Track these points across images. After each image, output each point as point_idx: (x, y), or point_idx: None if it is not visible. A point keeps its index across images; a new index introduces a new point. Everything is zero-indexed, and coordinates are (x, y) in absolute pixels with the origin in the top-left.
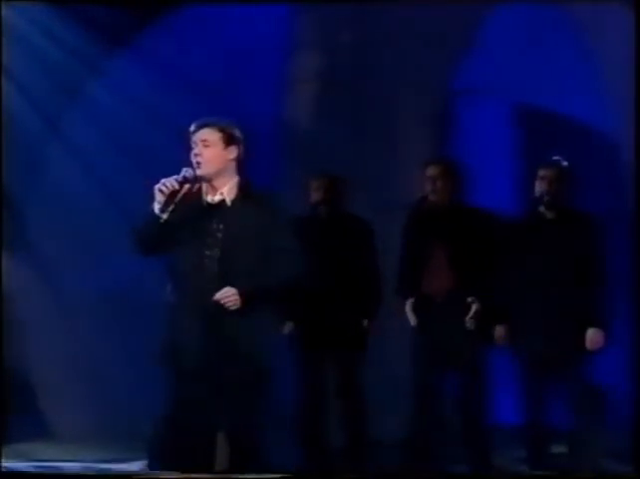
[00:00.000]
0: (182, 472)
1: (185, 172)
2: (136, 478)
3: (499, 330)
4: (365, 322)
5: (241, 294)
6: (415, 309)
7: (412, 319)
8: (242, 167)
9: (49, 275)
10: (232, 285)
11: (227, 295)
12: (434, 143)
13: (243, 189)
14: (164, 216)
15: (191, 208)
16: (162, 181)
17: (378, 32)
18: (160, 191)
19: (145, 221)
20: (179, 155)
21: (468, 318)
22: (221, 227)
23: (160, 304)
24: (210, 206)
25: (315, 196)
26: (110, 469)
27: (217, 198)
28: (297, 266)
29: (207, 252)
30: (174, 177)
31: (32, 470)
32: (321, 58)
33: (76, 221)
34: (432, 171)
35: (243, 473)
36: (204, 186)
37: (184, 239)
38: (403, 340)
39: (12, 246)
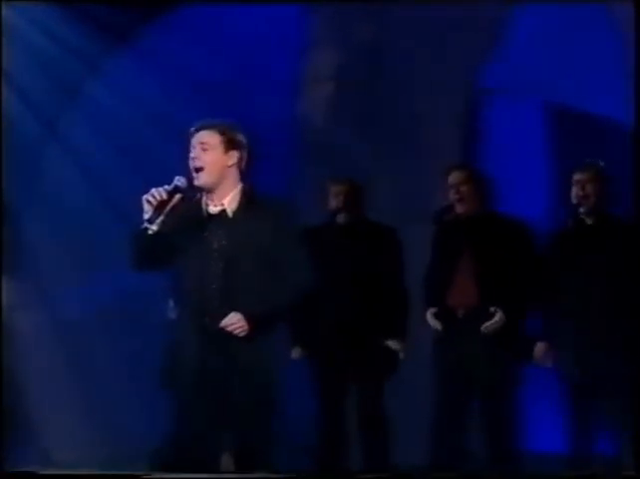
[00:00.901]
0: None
1: (177, 181)
2: (137, 478)
3: (539, 348)
4: (392, 343)
5: (249, 320)
6: (438, 319)
7: (436, 325)
8: (246, 174)
9: (46, 290)
10: (236, 304)
11: (233, 322)
12: (459, 146)
13: (246, 197)
14: (154, 227)
15: (190, 219)
16: (151, 190)
17: (397, 28)
18: (148, 201)
19: (135, 233)
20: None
21: (485, 326)
22: (223, 239)
23: (165, 321)
24: (211, 216)
25: (334, 202)
26: None
27: (218, 208)
28: (308, 283)
29: (208, 268)
30: (165, 186)
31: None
32: (337, 56)
33: (76, 230)
34: (455, 178)
35: (243, 473)
36: (204, 195)
37: (183, 254)
38: (426, 359)
39: (8, 258)
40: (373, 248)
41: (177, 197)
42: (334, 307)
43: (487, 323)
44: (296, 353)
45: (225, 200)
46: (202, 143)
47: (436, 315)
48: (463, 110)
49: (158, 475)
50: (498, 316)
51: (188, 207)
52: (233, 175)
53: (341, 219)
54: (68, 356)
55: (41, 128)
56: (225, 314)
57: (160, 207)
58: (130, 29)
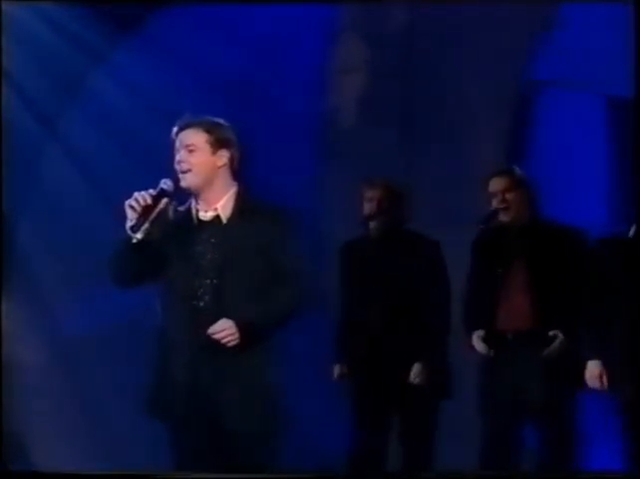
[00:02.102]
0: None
1: (163, 184)
2: (138, 478)
3: (593, 370)
4: (431, 364)
5: (240, 328)
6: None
7: (483, 349)
8: (239, 175)
9: (46, 305)
10: (231, 318)
11: (222, 329)
12: (505, 145)
13: (241, 201)
14: (138, 236)
15: (179, 226)
16: (135, 195)
17: (433, 14)
18: (131, 207)
19: (116, 243)
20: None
21: (546, 351)
22: (217, 249)
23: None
24: (202, 223)
25: (367, 208)
26: None
27: (210, 214)
28: (309, 293)
29: (200, 280)
30: (150, 190)
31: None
32: (366, 46)
33: (75, 240)
34: (499, 184)
35: (243, 473)
36: (193, 199)
37: (172, 265)
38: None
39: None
40: (412, 262)
41: (164, 201)
42: (369, 326)
43: (548, 349)
44: (336, 372)
45: (218, 204)
46: (188, 144)
47: (482, 339)
48: (509, 105)
49: (157, 475)
50: (559, 341)
51: (177, 213)
52: (225, 176)
53: (375, 227)
54: (69, 376)
55: (41, 127)
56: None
57: (144, 213)
58: (136, 18)
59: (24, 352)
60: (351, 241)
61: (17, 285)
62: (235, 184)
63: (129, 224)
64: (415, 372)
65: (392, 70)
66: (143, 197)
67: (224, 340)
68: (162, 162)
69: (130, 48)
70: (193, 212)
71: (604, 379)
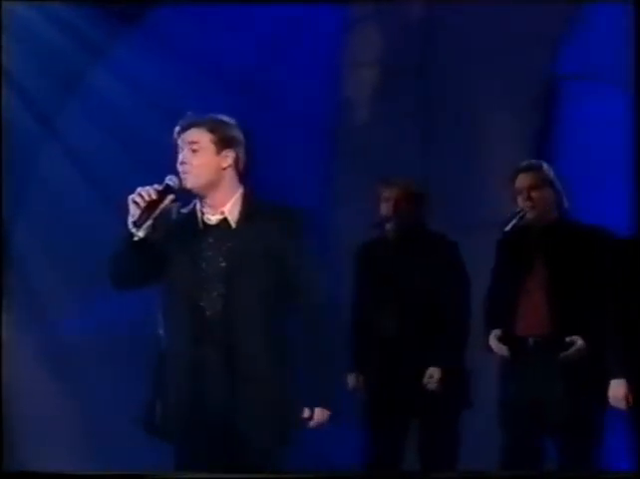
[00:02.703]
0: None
1: (169, 180)
2: (137, 478)
3: (618, 390)
4: (452, 372)
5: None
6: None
7: (500, 350)
8: (245, 176)
9: (43, 309)
10: (242, 334)
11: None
12: (527, 144)
13: (249, 204)
14: (140, 233)
15: (183, 229)
16: (138, 190)
17: (453, 9)
18: (135, 202)
19: (118, 241)
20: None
21: (563, 355)
22: (225, 254)
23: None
24: (208, 227)
25: (384, 209)
26: None
27: (217, 217)
28: (327, 306)
29: (208, 288)
30: (155, 185)
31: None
32: (383, 38)
33: (75, 241)
34: (524, 181)
35: (243, 473)
36: (198, 202)
37: (176, 270)
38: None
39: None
40: (430, 264)
41: (169, 198)
42: (386, 331)
43: (566, 352)
44: (351, 382)
45: (225, 207)
46: (191, 143)
47: (501, 342)
48: (534, 99)
49: (157, 475)
50: (577, 347)
51: (180, 215)
52: (230, 178)
53: (392, 229)
54: (67, 383)
55: (39, 126)
56: (229, 347)
57: (148, 208)
58: (138, 14)
59: (22, 356)
60: (366, 243)
61: (15, 288)
62: (241, 186)
63: (131, 219)
64: (429, 375)
65: (409, 64)
66: (147, 192)
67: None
68: (164, 160)
69: (131, 43)
70: (198, 215)
71: (629, 400)
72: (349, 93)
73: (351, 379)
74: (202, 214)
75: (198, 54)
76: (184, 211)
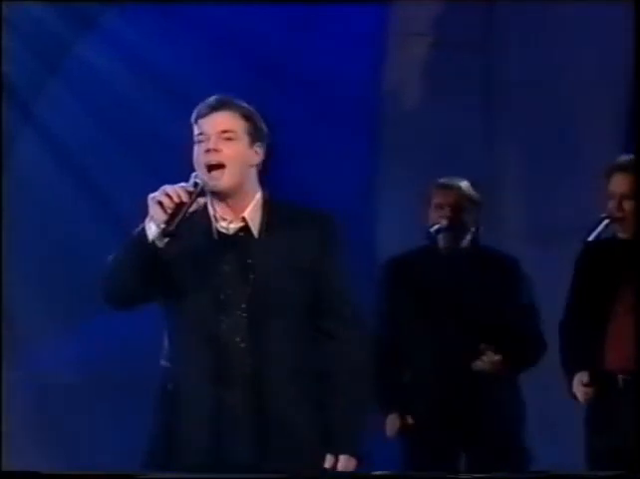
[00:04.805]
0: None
1: (196, 177)
2: (136, 478)
3: None
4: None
5: None
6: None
7: (587, 397)
8: (264, 176)
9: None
10: (271, 368)
11: None
12: (614, 138)
13: (272, 209)
14: (160, 242)
15: (192, 240)
16: (164, 189)
17: None
18: (160, 203)
19: (126, 249)
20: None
21: None
22: (247, 272)
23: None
24: (224, 237)
25: (436, 216)
26: None
27: (234, 225)
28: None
29: (226, 316)
30: (184, 184)
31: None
32: (438, 8)
33: (55, 259)
34: (618, 184)
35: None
36: (210, 205)
37: (184, 294)
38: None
39: None
40: (491, 284)
41: (201, 201)
42: (439, 365)
43: None
44: (391, 426)
45: (246, 213)
46: (224, 131)
47: (587, 384)
48: (618, 87)
49: (157, 475)
50: None
51: (189, 223)
52: (254, 178)
53: (445, 241)
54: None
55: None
56: (254, 384)
57: (175, 212)
58: None
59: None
60: (414, 257)
61: None
62: (260, 187)
63: (151, 227)
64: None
65: (470, 39)
66: (176, 191)
67: None
68: (164, 156)
69: (129, 15)
70: (213, 222)
71: None
72: (395, 75)
73: (391, 422)
74: (216, 220)
75: (214, 28)
76: (194, 216)
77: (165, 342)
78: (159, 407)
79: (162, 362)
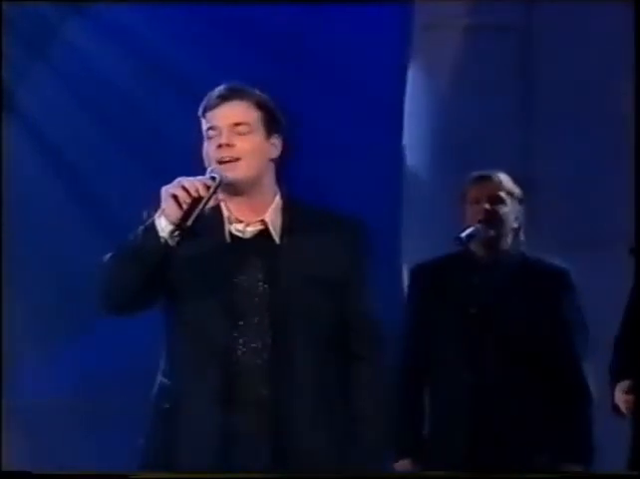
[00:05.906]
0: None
1: (212, 172)
2: (135, 478)
3: None
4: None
5: None
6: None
7: (624, 404)
8: (282, 175)
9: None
10: (292, 391)
11: None
12: None
13: (294, 211)
14: (173, 241)
15: (200, 246)
16: (180, 181)
17: None
18: (175, 197)
19: (129, 246)
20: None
21: None
22: (267, 282)
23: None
24: (239, 242)
25: (471, 217)
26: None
27: (252, 228)
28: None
29: (244, 335)
30: (202, 178)
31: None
32: None
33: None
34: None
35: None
36: (223, 206)
37: (191, 305)
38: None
39: None
40: (533, 297)
41: (220, 197)
42: (475, 388)
43: None
44: (402, 467)
45: (266, 214)
46: (237, 124)
47: (627, 391)
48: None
49: (156, 475)
50: None
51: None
52: (272, 175)
53: (482, 245)
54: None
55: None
56: (272, 409)
57: (192, 207)
58: None
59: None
60: (444, 265)
61: None
62: (278, 187)
63: (163, 223)
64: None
65: (506, 22)
66: (194, 185)
67: None
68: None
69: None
70: (226, 223)
71: None
72: (422, 63)
73: (402, 465)
74: (230, 222)
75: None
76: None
77: (164, 356)
78: (151, 428)
79: (160, 378)
